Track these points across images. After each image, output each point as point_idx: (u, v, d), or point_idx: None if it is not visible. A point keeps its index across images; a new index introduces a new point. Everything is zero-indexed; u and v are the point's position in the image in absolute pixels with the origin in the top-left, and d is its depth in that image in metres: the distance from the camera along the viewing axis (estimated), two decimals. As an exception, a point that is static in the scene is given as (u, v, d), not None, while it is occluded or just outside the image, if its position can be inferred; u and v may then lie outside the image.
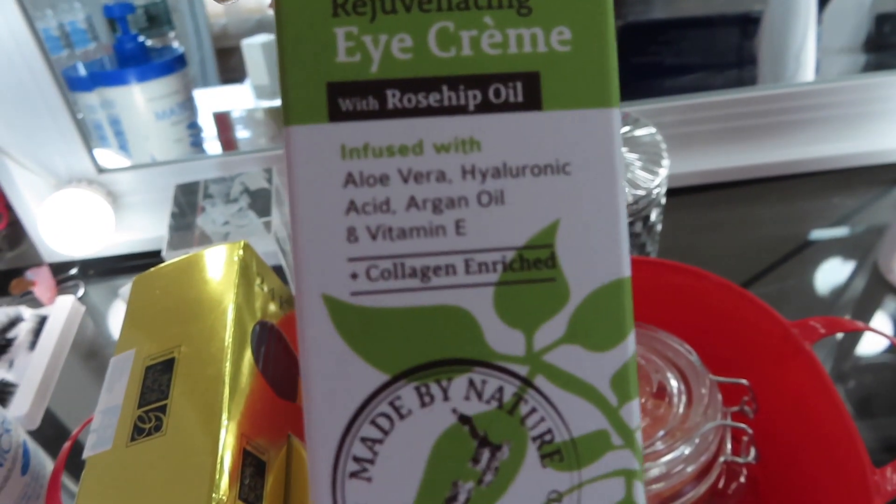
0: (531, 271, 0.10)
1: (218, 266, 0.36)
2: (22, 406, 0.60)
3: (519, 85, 0.09)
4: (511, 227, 0.10)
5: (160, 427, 0.29)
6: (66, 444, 0.38)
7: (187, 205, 0.64)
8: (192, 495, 0.26)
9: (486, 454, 0.09)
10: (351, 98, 0.09)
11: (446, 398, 0.10)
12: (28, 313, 0.67)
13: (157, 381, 0.31)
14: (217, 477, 0.27)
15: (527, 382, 0.10)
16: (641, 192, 0.53)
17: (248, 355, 0.32)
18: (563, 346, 0.10)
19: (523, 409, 0.10)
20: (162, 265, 0.38)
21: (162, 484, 0.27)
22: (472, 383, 0.10)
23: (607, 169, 0.09)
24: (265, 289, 0.37)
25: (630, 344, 0.10)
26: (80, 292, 0.73)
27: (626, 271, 0.10)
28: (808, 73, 0.83)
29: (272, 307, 0.37)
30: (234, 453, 0.28)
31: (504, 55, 0.09)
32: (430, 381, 0.10)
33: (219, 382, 0.30)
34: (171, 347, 0.32)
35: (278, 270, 0.64)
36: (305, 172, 0.09)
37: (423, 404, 0.10)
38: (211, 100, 1.08)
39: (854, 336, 0.65)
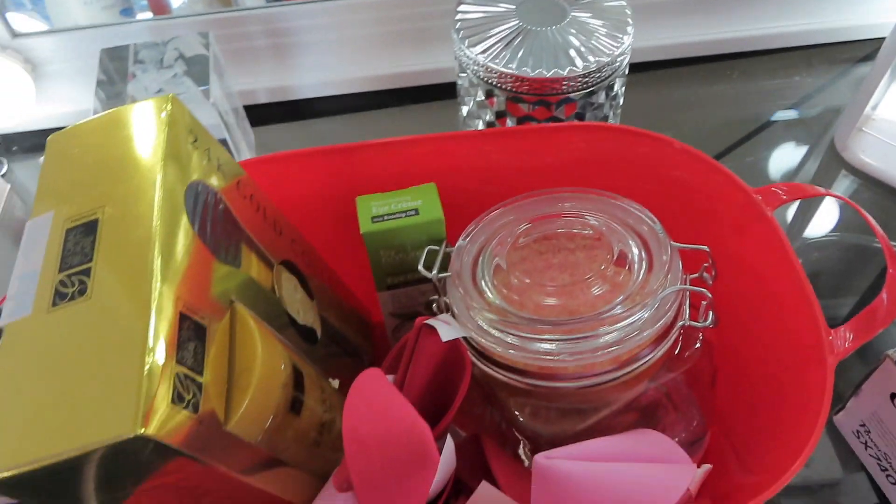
0: None
1: (144, 122, 0.32)
2: (-53, 287, 0.56)
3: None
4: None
5: (84, 291, 0.27)
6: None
7: (116, 72, 0.59)
8: (124, 361, 0.24)
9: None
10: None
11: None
12: (-53, 191, 0.62)
13: (78, 244, 0.28)
14: (151, 341, 0.25)
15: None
16: (605, 59, 0.50)
17: (182, 216, 0.29)
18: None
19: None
20: (80, 122, 0.34)
21: (89, 349, 0.25)
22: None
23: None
24: (201, 149, 0.33)
25: None
26: (3, 169, 0.68)
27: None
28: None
29: (211, 170, 0.34)
30: (170, 317, 0.26)
31: None
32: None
33: (148, 244, 0.27)
34: (94, 209, 0.29)
35: (222, 145, 0.60)
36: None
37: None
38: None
39: (803, 216, 0.65)
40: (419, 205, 0.40)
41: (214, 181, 0.33)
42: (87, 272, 0.27)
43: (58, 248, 0.28)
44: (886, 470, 0.43)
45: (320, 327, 0.39)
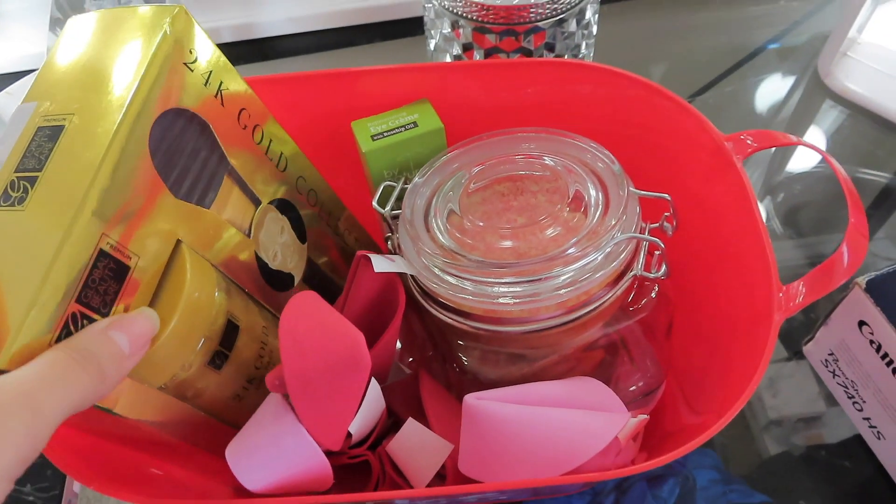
0: None
1: (141, 30, 0.29)
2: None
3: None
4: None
5: (24, 200, 0.25)
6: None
7: (71, 8, 0.56)
8: (22, 282, 0.23)
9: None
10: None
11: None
12: None
13: (40, 148, 0.26)
14: (54, 275, 0.23)
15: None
16: (576, -16, 0.47)
17: (143, 145, 0.27)
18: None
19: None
20: (102, 10, 0.31)
21: (4, 260, 0.23)
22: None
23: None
24: (199, 72, 0.30)
25: None
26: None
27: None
28: None
29: (205, 96, 0.31)
30: (86, 251, 0.24)
31: None
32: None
33: (90, 170, 0.25)
34: (66, 114, 0.27)
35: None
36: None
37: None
38: None
39: (786, 148, 0.63)
40: (416, 118, 0.40)
41: (207, 109, 0.31)
42: (33, 180, 0.25)
43: (24, 144, 0.26)
44: (853, 398, 0.43)
45: (302, 273, 0.38)
